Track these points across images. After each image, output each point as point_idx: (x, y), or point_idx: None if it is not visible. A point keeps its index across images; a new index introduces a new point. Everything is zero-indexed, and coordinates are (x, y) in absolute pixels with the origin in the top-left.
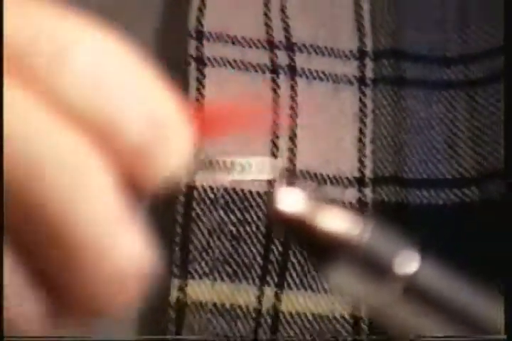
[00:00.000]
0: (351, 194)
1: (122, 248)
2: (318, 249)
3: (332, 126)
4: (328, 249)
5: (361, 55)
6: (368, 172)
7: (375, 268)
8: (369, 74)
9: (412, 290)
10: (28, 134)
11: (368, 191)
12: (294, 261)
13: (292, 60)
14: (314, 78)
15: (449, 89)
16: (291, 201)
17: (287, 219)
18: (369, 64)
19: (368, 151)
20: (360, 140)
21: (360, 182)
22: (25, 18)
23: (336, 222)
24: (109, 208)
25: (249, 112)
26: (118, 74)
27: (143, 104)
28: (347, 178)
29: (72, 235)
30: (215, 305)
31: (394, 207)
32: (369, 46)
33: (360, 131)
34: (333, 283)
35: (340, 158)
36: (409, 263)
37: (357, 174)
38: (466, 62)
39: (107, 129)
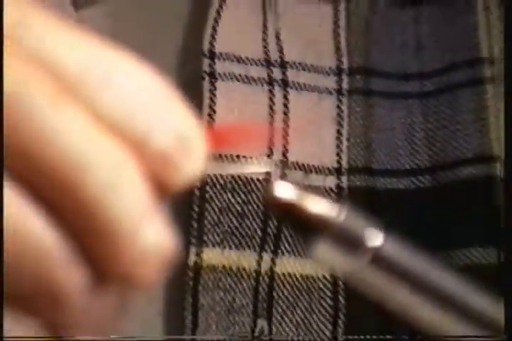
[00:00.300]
0: (331, 181)
1: (148, 231)
2: (305, 227)
3: (316, 127)
4: (312, 227)
5: (339, 71)
6: (344, 164)
7: (349, 242)
8: (345, 86)
9: (379, 259)
10: (81, 144)
11: (344, 178)
12: (286, 233)
13: (285, 74)
14: (302, 89)
15: (407, 99)
16: (283, 190)
17: (280, 204)
18: (345, 78)
19: (344, 147)
20: (338, 138)
21: (338, 171)
22: (77, 52)
23: (318, 206)
24: (139, 199)
25: (250, 129)
26: (150, 97)
27: (169, 121)
28: (328, 168)
29: (108, 218)
30: (224, 267)
31: (365, 191)
32: (345, 64)
33: (338, 132)
34: (315, 254)
35: (323, 153)
36: (376, 237)
37: (335, 165)
38: (421, 77)
39: (142, 141)
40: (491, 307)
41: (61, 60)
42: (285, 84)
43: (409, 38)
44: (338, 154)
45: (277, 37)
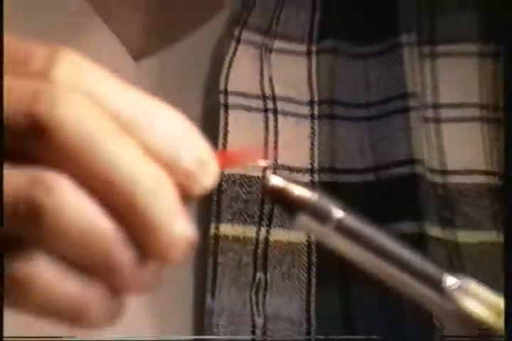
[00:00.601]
0: (306, 177)
1: (178, 225)
2: (289, 206)
3: (296, 141)
4: (294, 205)
5: (312, 103)
6: (316, 165)
7: (319, 215)
8: (316, 113)
9: (341, 227)
10: (136, 166)
11: (316, 176)
12: (277, 212)
13: (275, 105)
14: (287, 115)
15: (360, 121)
16: (274, 181)
17: (273, 190)
18: (316, 107)
19: (316, 154)
20: (311, 148)
21: (311, 171)
22: (129, 102)
23: (299, 190)
24: (172, 203)
25: (251, 152)
26: (180, 133)
27: (193, 150)
28: (304, 169)
29: (151, 216)
30: (233, 237)
31: (330, 184)
32: (316, 98)
33: (312, 143)
34: (297, 225)
35: (301, 157)
36: (338, 212)
37: (310, 166)
38: (368, 106)
39: (174, 164)
40: (420, 260)
41: (118, 108)
42: (275, 111)
43: (360, 79)
44: (311, 159)
45: (270, 79)
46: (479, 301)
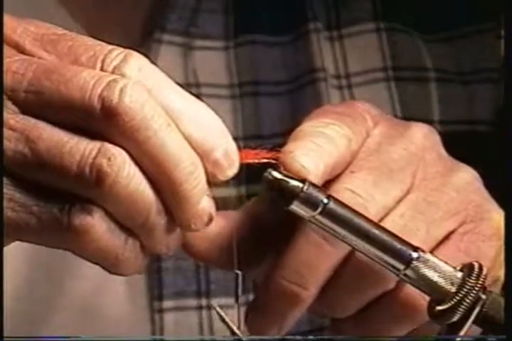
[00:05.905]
0: None
1: (204, 201)
2: (285, 194)
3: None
4: (289, 194)
5: (232, 85)
6: (240, 134)
7: (310, 202)
8: (237, 93)
9: (326, 210)
10: (178, 150)
11: (241, 142)
12: None
13: (199, 90)
14: (209, 97)
15: (281, 95)
16: (274, 175)
17: (272, 182)
18: (236, 89)
19: (240, 126)
20: (234, 122)
21: (236, 139)
22: (179, 99)
23: (293, 182)
24: (202, 183)
25: (256, 152)
26: (214, 127)
27: (222, 143)
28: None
29: (185, 191)
30: None
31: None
32: (236, 81)
33: (234, 118)
34: (292, 209)
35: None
36: (323, 198)
37: (233, 136)
38: (286, 83)
39: (207, 153)
40: (391, 238)
41: (169, 101)
42: (199, 95)
43: (278, 63)
44: (234, 130)
45: (194, 71)
46: (436, 270)
